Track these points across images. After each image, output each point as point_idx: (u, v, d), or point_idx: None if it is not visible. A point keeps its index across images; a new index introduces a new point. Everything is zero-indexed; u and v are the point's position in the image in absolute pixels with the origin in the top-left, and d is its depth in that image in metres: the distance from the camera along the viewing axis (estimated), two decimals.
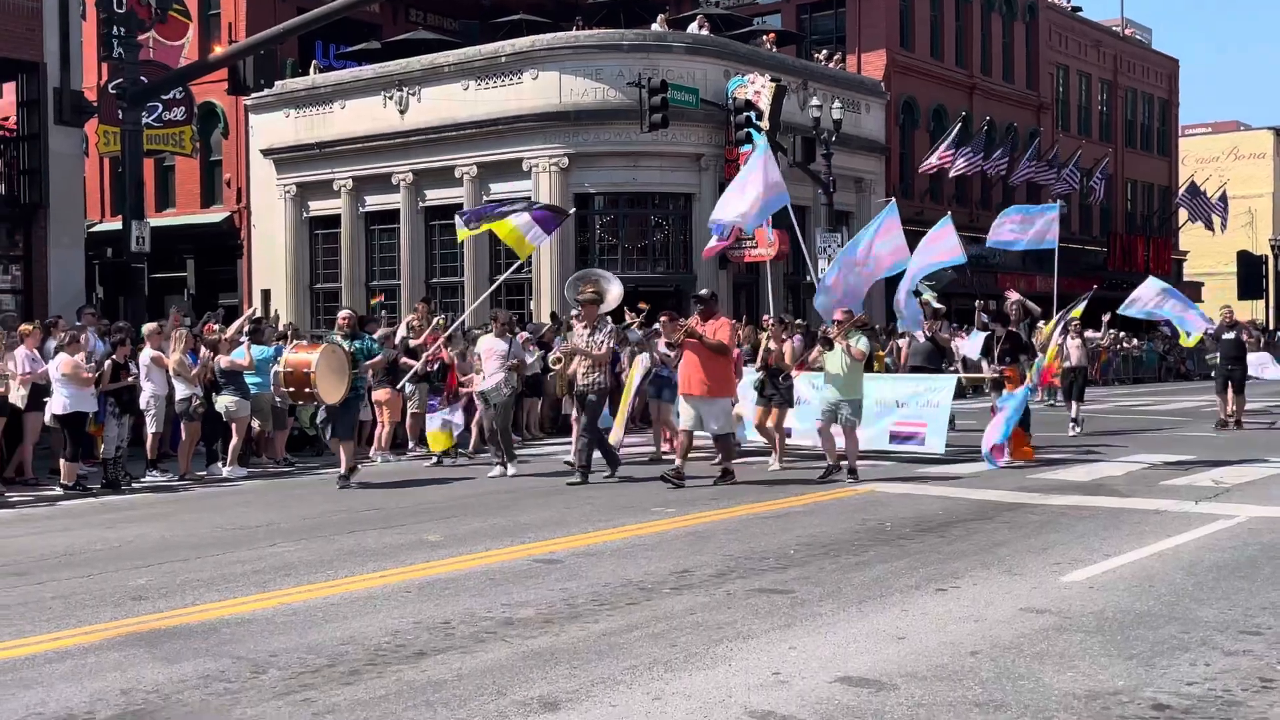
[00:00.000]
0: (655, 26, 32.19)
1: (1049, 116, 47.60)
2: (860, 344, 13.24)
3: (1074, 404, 19.61)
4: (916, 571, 8.41)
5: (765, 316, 15.72)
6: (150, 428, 14.99)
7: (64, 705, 5.67)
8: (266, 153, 34.47)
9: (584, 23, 33.43)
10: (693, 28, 32.59)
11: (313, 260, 34.44)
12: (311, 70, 34.39)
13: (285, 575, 8.71)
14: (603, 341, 13.56)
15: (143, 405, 14.86)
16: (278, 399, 15.27)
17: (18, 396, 14.21)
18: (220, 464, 15.19)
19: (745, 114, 28.84)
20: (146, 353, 14.88)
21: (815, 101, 30.86)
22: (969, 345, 27.27)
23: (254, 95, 30.53)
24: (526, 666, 6.16)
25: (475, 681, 5.92)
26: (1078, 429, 18.93)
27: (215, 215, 35.98)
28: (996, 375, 15.96)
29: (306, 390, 13.61)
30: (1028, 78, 46.45)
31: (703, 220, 29.16)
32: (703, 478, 13.49)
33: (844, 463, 13.41)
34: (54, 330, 15.68)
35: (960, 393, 22.84)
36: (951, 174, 38.37)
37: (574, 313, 14.92)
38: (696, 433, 13.58)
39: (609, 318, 14.08)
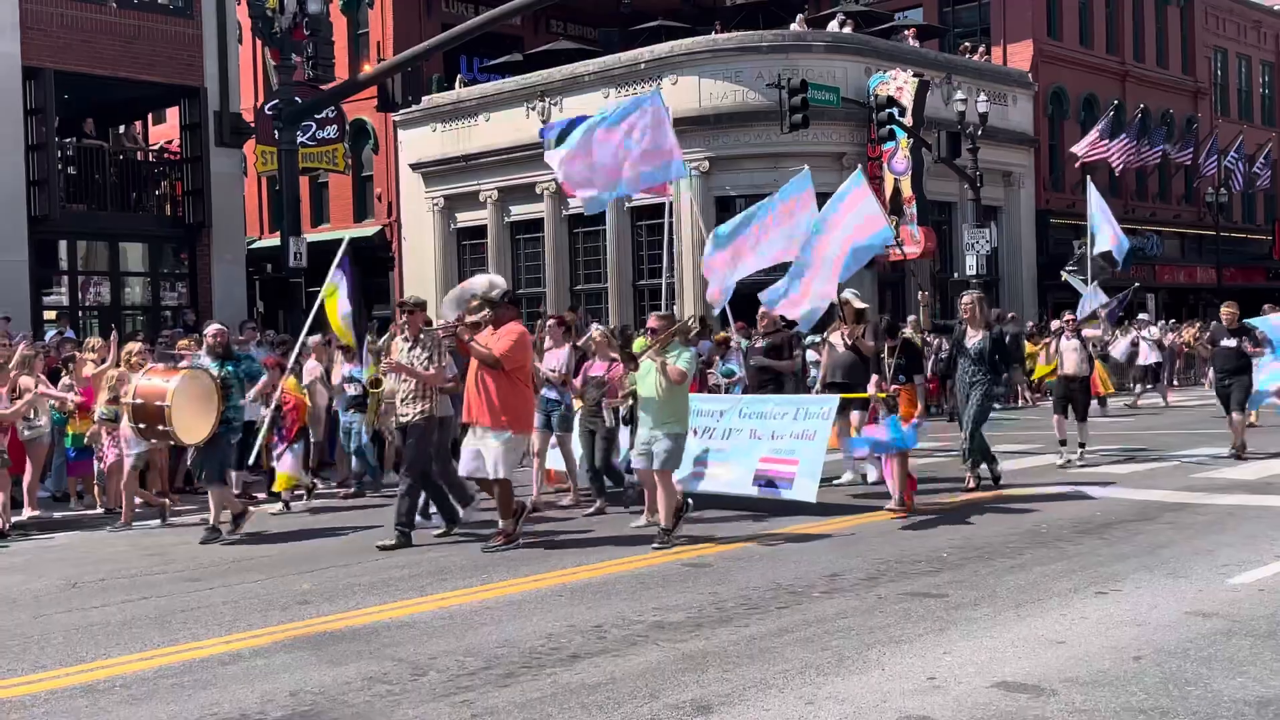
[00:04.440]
0: (794, 26, 32.00)
1: (1207, 102, 45.83)
2: (681, 362, 10.40)
3: (1078, 423, 15.47)
4: (1075, 574, 8.20)
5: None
6: (311, 437, 15.46)
7: (237, 705, 5.91)
8: (415, 167, 35.33)
9: (722, 26, 33.41)
10: (832, 26, 32.29)
11: (461, 271, 35.06)
12: (456, 85, 35.13)
13: (441, 579, 8.92)
14: (431, 359, 10.75)
15: None
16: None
17: None
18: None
19: (887, 111, 28.40)
20: (309, 365, 15.35)
21: (960, 95, 30.27)
22: (1118, 349, 26.04)
23: (402, 111, 31.33)
24: (678, 670, 6.20)
25: (629, 684, 5.98)
26: (1072, 457, 14.97)
27: (368, 229, 36.97)
28: (889, 395, 12.02)
29: (160, 428, 11.10)
30: (1183, 63, 44.79)
31: None
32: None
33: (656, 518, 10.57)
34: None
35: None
36: (1103, 166, 37.29)
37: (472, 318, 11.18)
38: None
39: (439, 331, 11.00)
